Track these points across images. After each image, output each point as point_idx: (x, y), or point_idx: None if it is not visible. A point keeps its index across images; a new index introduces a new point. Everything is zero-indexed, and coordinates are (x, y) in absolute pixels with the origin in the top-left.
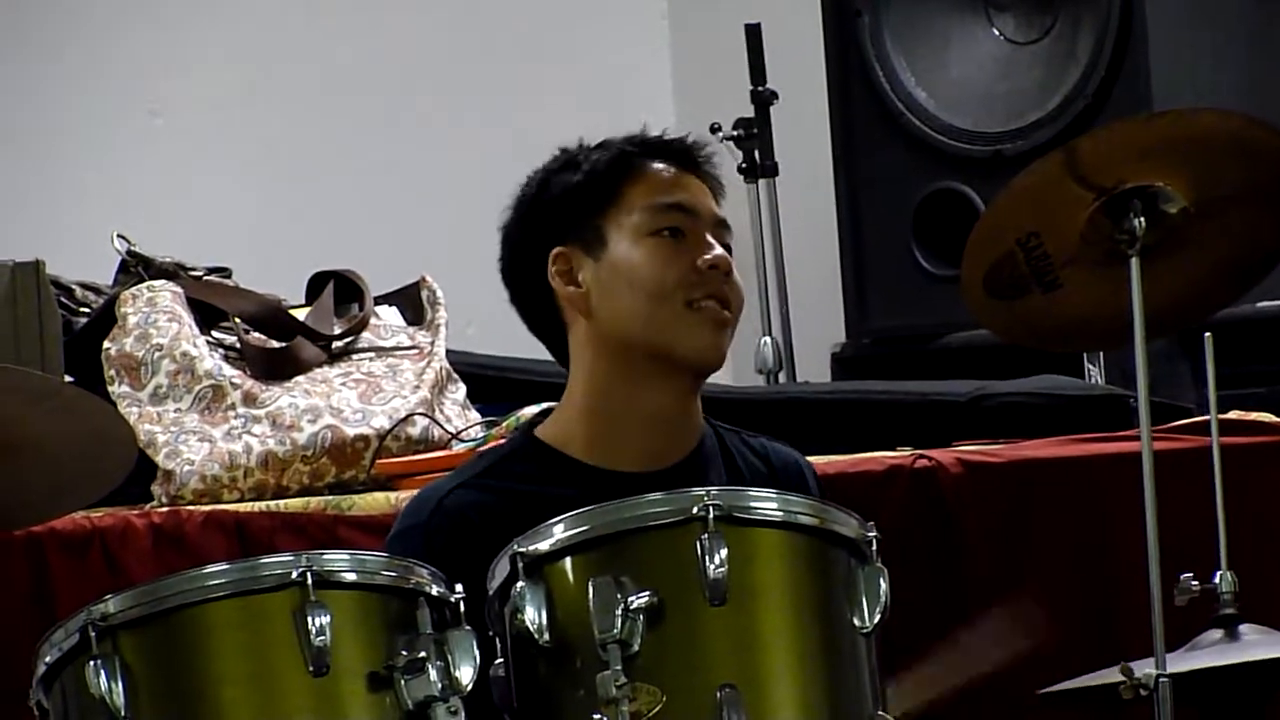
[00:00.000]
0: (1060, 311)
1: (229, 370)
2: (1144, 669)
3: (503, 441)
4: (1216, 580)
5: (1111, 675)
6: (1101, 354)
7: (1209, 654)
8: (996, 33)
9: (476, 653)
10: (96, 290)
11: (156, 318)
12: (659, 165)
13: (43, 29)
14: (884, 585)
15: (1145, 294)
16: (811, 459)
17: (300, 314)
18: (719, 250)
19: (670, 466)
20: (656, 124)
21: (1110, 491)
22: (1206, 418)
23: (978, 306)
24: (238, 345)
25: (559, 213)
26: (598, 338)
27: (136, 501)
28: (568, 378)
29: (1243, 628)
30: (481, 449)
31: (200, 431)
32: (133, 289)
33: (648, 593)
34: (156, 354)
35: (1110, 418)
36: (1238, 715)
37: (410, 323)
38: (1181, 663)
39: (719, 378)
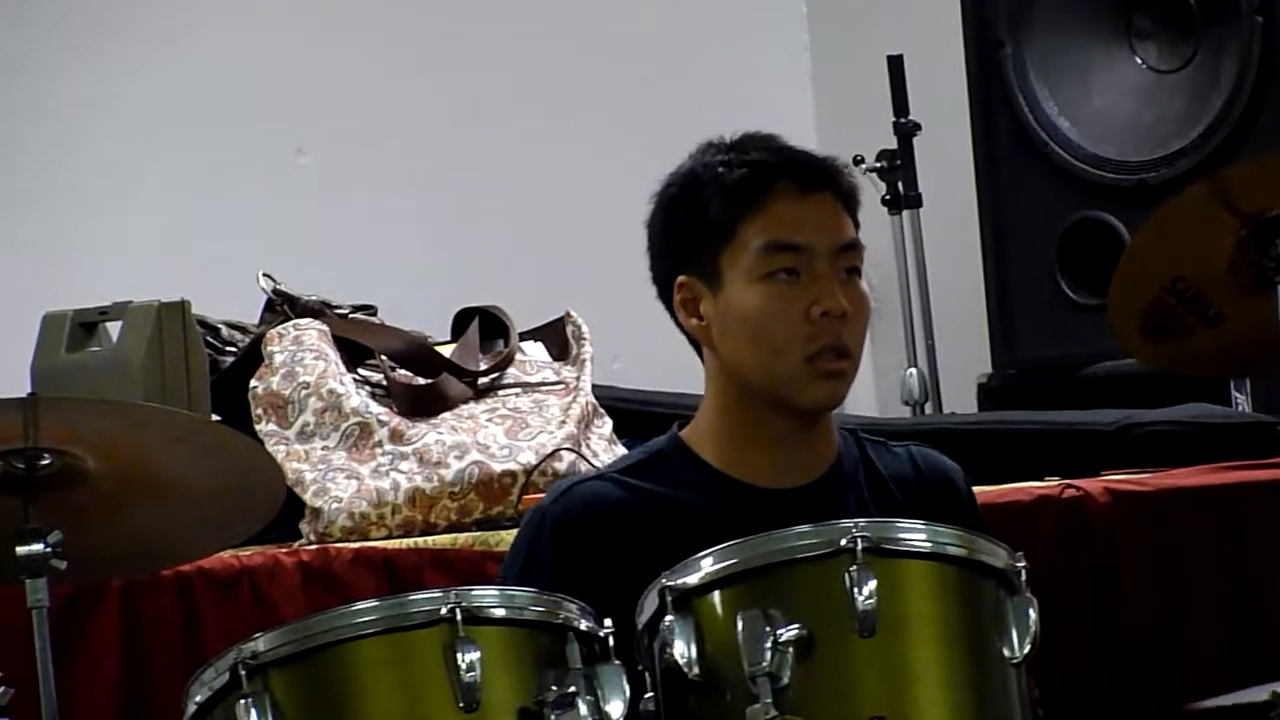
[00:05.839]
0: (1227, 341)
1: (376, 407)
2: None
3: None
4: None
5: (1261, 695)
6: (1248, 381)
7: None
8: (1139, 61)
9: (626, 687)
10: (243, 329)
11: (303, 356)
12: (782, 192)
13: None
14: (1033, 615)
15: None
16: None
17: (446, 350)
18: (834, 294)
19: (804, 485)
20: None
21: (1258, 518)
22: None
23: (1139, 350)
24: (384, 382)
25: (679, 242)
26: (722, 370)
27: (284, 539)
28: None
29: None
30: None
31: (347, 469)
32: (279, 327)
33: (796, 625)
34: (303, 392)
35: (1257, 445)
36: None
37: (556, 358)
38: None
39: (866, 409)
